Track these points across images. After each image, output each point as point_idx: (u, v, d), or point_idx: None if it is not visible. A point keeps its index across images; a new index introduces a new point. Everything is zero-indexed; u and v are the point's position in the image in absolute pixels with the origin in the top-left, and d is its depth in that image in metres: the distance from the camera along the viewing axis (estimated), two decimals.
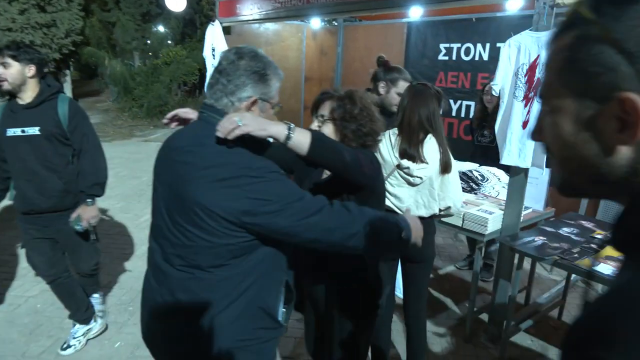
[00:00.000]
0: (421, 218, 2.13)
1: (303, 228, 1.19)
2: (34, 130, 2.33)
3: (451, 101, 4.99)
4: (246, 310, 1.26)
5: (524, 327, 2.84)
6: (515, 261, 2.63)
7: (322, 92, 1.68)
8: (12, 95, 2.35)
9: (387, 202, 2.15)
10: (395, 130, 2.15)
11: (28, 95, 2.34)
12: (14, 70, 2.26)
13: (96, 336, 2.80)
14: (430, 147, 2.10)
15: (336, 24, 6.12)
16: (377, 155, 2.14)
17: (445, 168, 2.13)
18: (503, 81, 2.55)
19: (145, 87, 12.64)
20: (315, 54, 6.00)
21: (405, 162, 2.09)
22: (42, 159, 2.36)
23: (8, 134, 2.32)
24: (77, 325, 2.71)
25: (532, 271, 3.25)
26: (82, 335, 2.71)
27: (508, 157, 2.53)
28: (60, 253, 2.60)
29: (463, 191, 3.08)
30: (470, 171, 3.23)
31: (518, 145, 2.49)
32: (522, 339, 2.88)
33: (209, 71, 5.39)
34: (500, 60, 2.55)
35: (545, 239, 2.53)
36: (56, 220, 2.46)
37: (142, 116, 12.60)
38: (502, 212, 2.67)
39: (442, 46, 5.00)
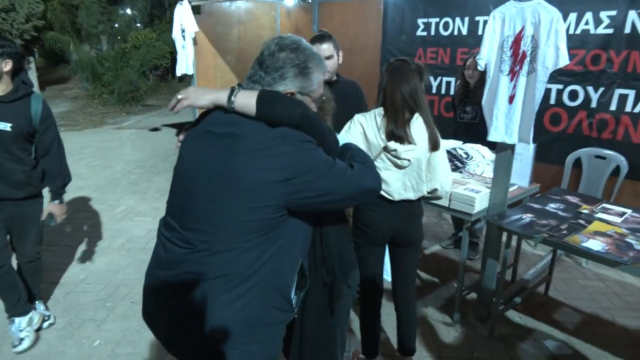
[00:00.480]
0: (409, 201, 2.08)
1: (337, 187, 1.19)
2: (5, 126, 2.29)
3: (431, 78, 4.90)
4: (262, 286, 1.21)
5: (513, 304, 2.83)
6: (504, 239, 2.59)
7: None
8: None
9: None
10: (381, 110, 2.04)
11: (1, 89, 2.29)
12: None
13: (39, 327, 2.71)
14: (418, 126, 2.01)
15: (310, 1, 5.91)
16: (362, 137, 2.05)
17: (434, 146, 2.04)
18: (488, 55, 2.46)
19: (115, 72, 12.16)
20: (290, 33, 5.79)
21: (392, 144, 1.98)
22: (8, 152, 2.35)
23: None
24: (17, 319, 2.60)
25: (518, 248, 3.24)
26: (27, 325, 2.61)
27: (495, 134, 2.47)
28: (5, 242, 2.51)
29: None
30: (455, 149, 3.17)
31: (504, 121, 2.42)
32: (511, 316, 2.87)
33: (180, 53, 5.16)
34: (485, 33, 2.45)
35: (532, 216, 2.48)
36: (13, 207, 2.45)
37: (113, 103, 12.17)
38: (489, 190, 2.61)
39: (420, 21, 4.88)
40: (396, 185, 2.06)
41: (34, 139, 2.43)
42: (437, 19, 4.73)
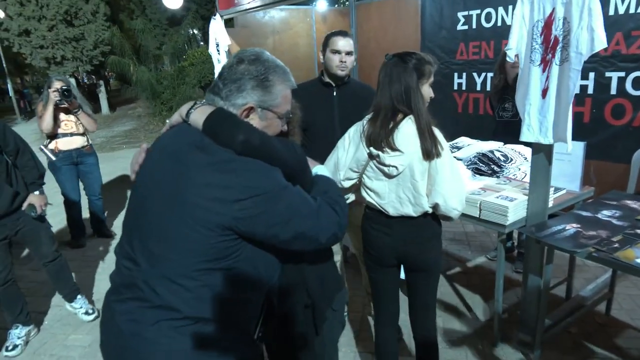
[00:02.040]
0: (410, 217, 1.81)
1: (286, 216, 1.10)
2: None
3: (474, 74, 4.55)
4: (213, 318, 1.11)
5: (562, 326, 2.47)
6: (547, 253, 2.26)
7: None
8: None
9: (369, 199, 1.87)
10: (370, 115, 1.82)
11: None
12: None
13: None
14: (407, 130, 1.72)
15: (347, 4, 5.76)
16: (350, 146, 1.86)
17: (428, 154, 1.71)
18: (518, 44, 2.16)
19: (172, 90, 12.74)
20: None
21: (373, 150, 1.76)
22: None
23: None
24: (21, 326, 2.81)
25: (572, 260, 2.84)
26: (25, 335, 2.82)
27: (528, 133, 2.16)
28: (9, 258, 2.68)
29: (482, 175, 2.73)
30: (492, 152, 2.85)
31: (538, 118, 2.11)
32: (562, 340, 2.50)
33: (216, 68, 5.21)
34: (513, 20, 2.16)
35: (579, 226, 2.14)
36: (14, 219, 2.63)
37: (149, 114, 12.73)
38: (527, 197, 2.30)
39: (460, 15, 4.56)
40: (389, 197, 1.80)
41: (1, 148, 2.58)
42: (479, 11, 4.39)
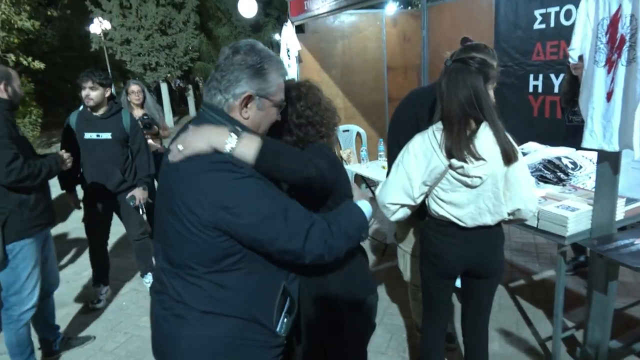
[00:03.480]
0: (486, 227, 1.77)
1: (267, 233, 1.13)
2: (107, 135, 3.08)
3: (552, 75, 4.27)
4: (231, 312, 1.19)
5: (634, 349, 2.26)
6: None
7: None
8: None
9: (442, 212, 1.77)
10: (440, 125, 1.74)
11: (102, 110, 3.10)
12: (98, 92, 3.02)
13: None
14: (486, 137, 1.67)
15: (419, 5, 5.68)
16: (418, 160, 1.76)
17: (508, 159, 1.68)
18: (583, 44, 2.03)
19: None
20: (398, 42, 5.64)
21: (456, 162, 1.67)
22: (111, 155, 3.10)
23: (86, 137, 3.07)
24: (149, 274, 3.53)
25: None
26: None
27: (591, 139, 2.01)
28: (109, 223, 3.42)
29: (547, 183, 2.59)
30: (559, 158, 2.68)
31: (602, 123, 1.95)
32: None
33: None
34: (577, 19, 2.03)
35: None
36: (116, 199, 3.23)
37: None
38: (591, 207, 2.14)
39: (537, 13, 4.30)
40: (468, 208, 1.73)
41: (128, 143, 3.18)
42: (557, 8, 4.11)
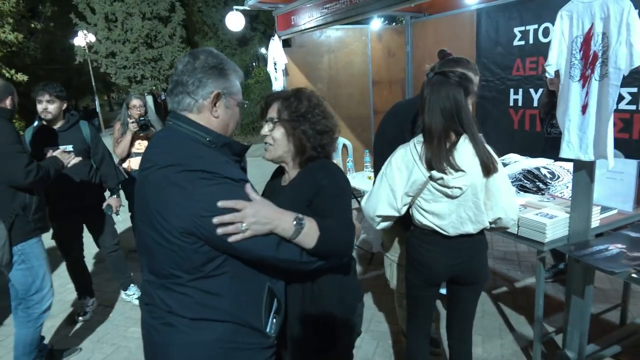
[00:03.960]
0: (468, 235, 1.83)
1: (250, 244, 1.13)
2: (67, 148, 2.91)
3: (531, 90, 4.43)
4: (220, 317, 1.20)
5: (610, 352, 2.35)
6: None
7: (267, 95, 1.57)
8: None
9: (425, 221, 1.83)
10: (420, 138, 1.80)
11: (60, 123, 3.03)
12: (56, 106, 2.97)
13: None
14: (466, 150, 1.74)
15: (403, 22, 5.84)
16: (401, 173, 1.81)
17: (487, 171, 1.76)
18: (558, 60, 2.14)
19: None
20: (383, 56, 5.77)
21: (435, 173, 1.73)
22: (75, 168, 2.86)
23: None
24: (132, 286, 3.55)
25: (627, 284, 2.69)
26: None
27: (568, 150, 2.11)
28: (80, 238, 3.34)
29: (527, 192, 2.69)
30: (538, 169, 2.79)
31: (578, 134, 2.06)
32: None
33: (274, 85, 5.49)
34: (553, 36, 2.15)
35: (623, 246, 2.05)
36: (88, 213, 3.21)
37: (236, 133, 13.37)
38: (568, 215, 2.24)
39: (516, 30, 4.48)
40: (450, 218, 1.80)
41: (90, 154, 3.16)
42: (536, 26, 4.29)
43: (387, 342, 2.78)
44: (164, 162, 1.17)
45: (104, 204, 3.21)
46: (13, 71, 10.08)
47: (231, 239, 1.11)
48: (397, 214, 1.85)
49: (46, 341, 2.83)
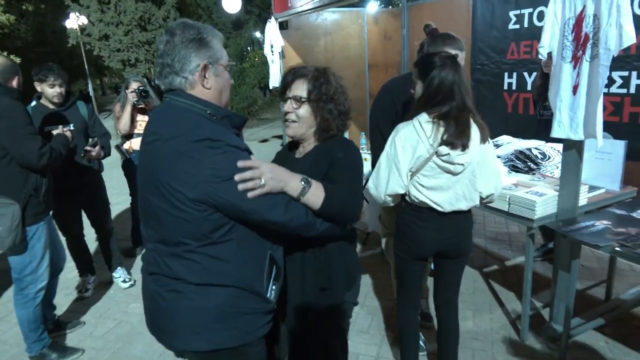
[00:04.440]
0: (460, 212, 1.92)
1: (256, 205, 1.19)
2: (69, 127, 2.92)
3: (525, 74, 4.48)
4: (223, 281, 1.26)
5: (594, 325, 2.45)
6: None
7: (290, 71, 1.59)
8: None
9: (422, 197, 1.88)
10: (425, 117, 1.82)
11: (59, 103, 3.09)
12: (64, 88, 3.07)
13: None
14: (474, 128, 1.84)
15: (400, 5, 5.84)
16: (405, 150, 1.85)
17: (484, 138, 1.86)
18: (551, 42, 2.20)
19: (233, 90, 13.31)
20: (379, 40, 5.79)
21: (443, 149, 1.77)
22: (75, 149, 3.00)
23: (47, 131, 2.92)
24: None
25: (613, 261, 2.78)
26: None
27: (559, 129, 2.18)
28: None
29: (518, 172, 2.77)
30: (529, 149, 2.86)
31: (569, 114, 2.13)
32: (594, 339, 2.48)
33: (270, 67, 5.50)
34: (545, 19, 2.20)
35: (609, 223, 2.14)
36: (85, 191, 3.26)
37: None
38: (557, 193, 2.32)
39: (511, 14, 4.51)
40: (447, 194, 1.86)
41: (88, 132, 3.23)
42: (531, 9, 4.32)
43: (382, 316, 2.87)
44: (168, 134, 1.21)
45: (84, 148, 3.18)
46: (5, 53, 9.98)
47: (250, 194, 1.17)
48: (404, 191, 1.92)
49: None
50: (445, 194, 1.87)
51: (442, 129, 1.79)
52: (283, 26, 5.22)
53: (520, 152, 2.84)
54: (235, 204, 1.17)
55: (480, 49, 4.88)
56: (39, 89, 2.97)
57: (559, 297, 2.42)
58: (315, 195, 1.28)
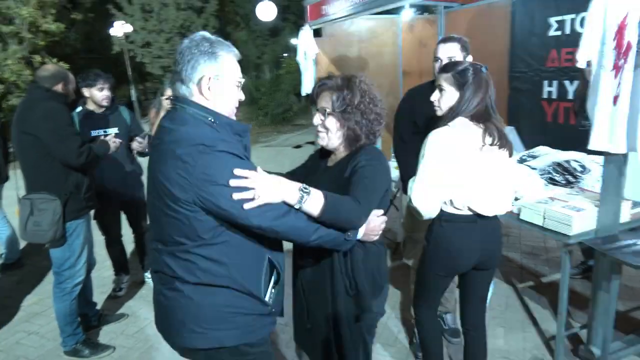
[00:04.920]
0: (494, 218, 1.92)
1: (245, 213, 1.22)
2: (113, 130, 3.15)
3: (566, 82, 4.31)
4: (219, 282, 1.30)
5: (637, 350, 2.31)
6: None
7: (318, 82, 1.59)
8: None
9: (465, 202, 1.85)
10: (463, 120, 1.80)
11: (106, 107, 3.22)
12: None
13: None
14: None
15: (435, 12, 5.76)
16: (446, 153, 1.80)
17: (510, 153, 1.87)
18: (591, 49, 2.11)
19: (269, 96, 13.51)
20: (414, 47, 5.72)
21: (485, 155, 1.83)
22: (120, 153, 3.13)
23: (92, 135, 3.09)
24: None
25: None
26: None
27: (597, 142, 2.08)
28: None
29: (556, 185, 2.66)
30: (568, 162, 2.74)
31: (609, 126, 2.03)
32: None
33: (303, 75, 5.53)
34: (585, 25, 2.12)
35: None
36: (128, 195, 3.35)
37: (267, 123, 13.52)
38: (597, 209, 2.20)
39: (552, 20, 4.35)
40: (489, 197, 1.84)
41: (131, 134, 3.31)
42: (573, 15, 4.15)
43: (409, 329, 2.81)
44: (169, 139, 1.27)
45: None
46: (55, 60, 10.49)
47: (246, 205, 1.20)
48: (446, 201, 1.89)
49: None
50: (487, 198, 1.84)
51: (483, 132, 1.79)
52: (317, 33, 5.25)
53: (559, 164, 2.72)
54: (223, 208, 1.21)
55: (519, 57, 4.73)
56: (87, 94, 3.12)
57: (597, 318, 2.30)
58: (314, 205, 1.28)
